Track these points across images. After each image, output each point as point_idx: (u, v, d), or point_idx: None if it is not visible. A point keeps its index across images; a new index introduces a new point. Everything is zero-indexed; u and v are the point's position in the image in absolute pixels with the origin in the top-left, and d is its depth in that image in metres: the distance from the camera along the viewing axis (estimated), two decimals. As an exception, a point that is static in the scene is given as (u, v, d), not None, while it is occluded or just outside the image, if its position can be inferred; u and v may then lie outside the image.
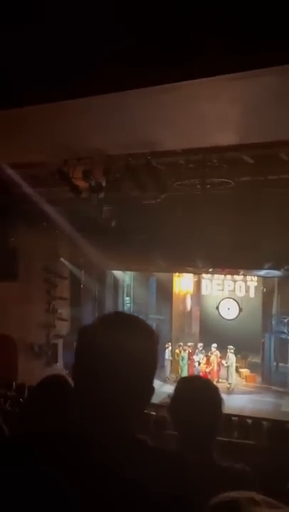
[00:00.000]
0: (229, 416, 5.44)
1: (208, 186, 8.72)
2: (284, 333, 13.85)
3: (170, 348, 14.54)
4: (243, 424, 5.31)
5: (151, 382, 1.04)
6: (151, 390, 1.04)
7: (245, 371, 14.59)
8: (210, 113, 5.03)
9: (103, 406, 0.96)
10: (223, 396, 1.69)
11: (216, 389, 1.74)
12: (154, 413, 5.90)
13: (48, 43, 4.14)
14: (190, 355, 14.01)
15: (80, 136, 6.12)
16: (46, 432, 1.03)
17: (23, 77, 4.20)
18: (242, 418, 5.55)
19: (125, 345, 0.97)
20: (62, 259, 13.53)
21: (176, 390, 1.68)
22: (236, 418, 5.44)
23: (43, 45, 4.14)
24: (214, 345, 14.09)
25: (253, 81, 4.38)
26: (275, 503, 0.73)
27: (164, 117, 5.05)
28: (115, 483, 0.91)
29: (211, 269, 14.12)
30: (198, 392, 1.65)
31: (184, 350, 14.25)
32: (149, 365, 1.03)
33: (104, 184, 8.44)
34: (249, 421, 5.48)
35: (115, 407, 0.96)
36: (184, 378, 2.16)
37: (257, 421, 5.53)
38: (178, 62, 3.88)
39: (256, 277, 15.01)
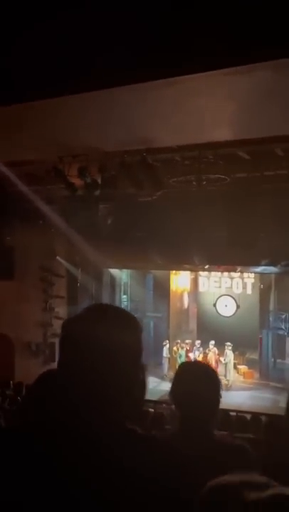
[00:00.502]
0: (227, 411, 5.45)
1: (204, 183, 8.72)
2: (281, 329, 13.90)
3: (168, 345, 14.55)
4: (242, 419, 5.33)
5: (137, 370, 1.04)
6: (137, 378, 1.04)
7: (243, 368, 14.63)
8: (205, 109, 5.02)
9: (90, 395, 0.96)
10: (222, 393, 1.76)
11: (213, 371, 1.88)
12: (152, 410, 5.91)
13: (45, 41, 4.11)
14: (187, 352, 14.03)
15: (75, 133, 6.10)
16: (41, 422, 1.03)
17: (17, 75, 4.17)
18: (240, 413, 5.58)
19: (108, 334, 0.97)
20: (58, 257, 13.49)
21: (177, 373, 1.79)
22: (234, 413, 5.46)
23: (40, 43, 4.11)
24: (212, 342, 14.12)
25: (248, 76, 4.37)
26: (276, 484, 0.73)
27: (160, 113, 5.04)
28: (107, 470, 0.91)
29: (207, 266, 14.13)
30: (197, 374, 1.76)
31: (182, 348, 14.26)
32: (133, 352, 1.03)
33: (99, 181, 8.42)
34: (248, 416, 5.50)
35: (102, 396, 0.96)
36: (184, 363, 2.32)
37: (256, 416, 5.55)
38: (173, 58, 3.86)
39: (253, 274, 15.04)
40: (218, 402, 1.73)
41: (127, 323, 1.05)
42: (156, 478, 0.94)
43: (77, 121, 5.56)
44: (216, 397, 1.73)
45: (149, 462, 0.96)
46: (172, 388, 1.75)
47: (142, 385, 1.05)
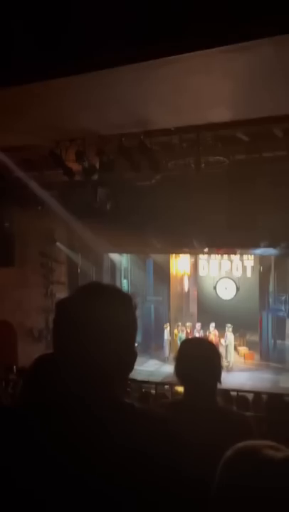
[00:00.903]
0: (228, 391, 5.52)
1: (203, 165, 8.64)
2: (281, 310, 13.97)
3: (168, 328, 14.66)
4: (243, 397, 5.42)
5: (133, 346, 1.05)
6: (133, 354, 1.05)
7: (243, 349, 14.77)
8: (203, 88, 4.95)
9: (86, 373, 0.97)
10: (223, 374, 1.86)
11: (213, 345, 2.04)
12: (154, 391, 5.99)
13: (37, 21, 4.03)
14: (188, 335, 14.12)
15: (71, 117, 6.03)
16: (37, 401, 1.05)
17: (14, 57, 4.10)
18: (242, 392, 5.67)
19: (103, 312, 0.98)
20: (58, 243, 13.48)
21: (180, 349, 1.91)
22: (235, 393, 5.54)
23: (31, 23, 4.03)
24: (212, 324, 14.22)
25: (247, 54, 4.29)
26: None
27: (157, 94, 4.97)
28: (105, 446, 0.92)
29: (207, 249, 14.13)
30: (198, 348, 1.90)
31: (182, 331, 14.38)
32: (128, 329, 1.04)
33: (97, 166, 8.35)
34: (249, 395, 5.59)
35: (98, 373, 0.97)
36: (186, 339, 2.56)
37: (257, 395, 5.63)
38: (169, 36, 3.79)
39: (253, 256, 15.05)
40: (219, 373, 1.82)
41: (119, 299, 1.05)
42: (157, 450, 0.95)
43: (73, 105, 5.48)
44: (218, 369, 1.83)
45: (149, 435, 0.96)
46: (176, 363, 1.85)
47: (135, 358, 1.06)
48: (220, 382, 1.83)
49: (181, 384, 1.84)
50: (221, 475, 0.75)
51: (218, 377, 1.82)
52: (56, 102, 5.30)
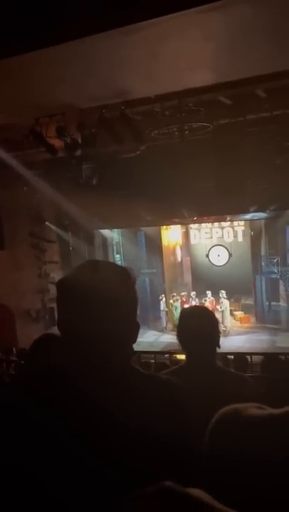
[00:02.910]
0: (226, 354, 5.65)
1: (187, 132, 8.51)
2: (274, 273, 14.14)
3: (164, 299, 14.82)
4: (241, 358, 5.55)
5: (134, 318, 1.09)
6: (135, 325, 1.09)
7: (239, 313, 15.03)
8: (181, 52, 4.80)
9: (92, 346, 0.99)
10: (221, 339, 1.99)
11: (211, 312, 2.16)
12: (153, 361, 6.10)
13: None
14: (183, 304, 14.31)
15: (47, 92, 5.85)
16: (42, 374, 1.08)
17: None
18: (239, 354, 5.83)
19: (103, 288, 1.00)
20: (47, 223, 13.37)
21: (180, 318, 2.04)
22: (232, 356, 5.68)
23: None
24: (209, 292, 14.39)
25: (224, 13, 4.15)
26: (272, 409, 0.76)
27: (133, 61, 4.82)
28: (114, 411, 0.95)
29: (196, 218, 14.12)
30: (197, 315, 2.05)
31: (177, 300, 14.55)
32: (128, 302, 1.07)
33: (79, 140, 8.19)
34: (247, 356, 5.73)
35: (103, 346, 1.00)
36: (185, 308, 2.73)
37: (253, 356, 5.77)
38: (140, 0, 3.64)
39: (243, 221, 15.08)
40: (218, 337, 1.96)
41: (118, 274, 1.08)
42: (164, 411, 0.99)
43: (48, 79, 5.31)
44: (216, 333, 1.96)
45: (156, 396, 1.01)
46: (178, 330, 1.98)
47: (138, 329, 1.10)
48: (219, 346, 1.95)
49: (183, 350, 1.97)
50: (208, 440, 0.76)
51: (216, 343, 1.94)
52: (30, 78, 5.14)
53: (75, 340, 1.01)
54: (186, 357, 1.98)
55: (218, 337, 1.97)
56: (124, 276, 1.09)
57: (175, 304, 14.44)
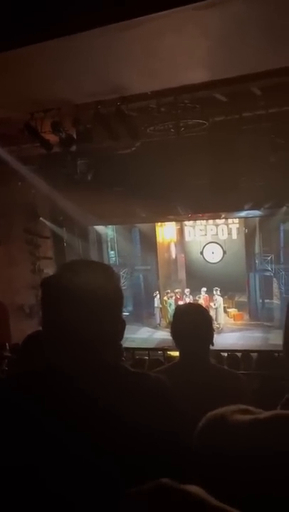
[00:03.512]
0: (220, 352, 5.68)
1: (183, 129, 8.51)
2: (268, 270, 14.21)
3: (158, 296, 14.84)
4: (234, 357, 5.58)
5: (120, 315, 1.10)
6: (121, 323, 1.09)
7: (233, 311, 15.09)
8: (177, 49, 4.78)
9: (76, 344, 1.00)
10: (214, 336, 2.00)
11: (205, 309, 2.17)
12: (147, 357, 6.13)
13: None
14: (177, 300, 14.34)
15: (43, 87, 5.80)
16: (30, 371, 1.08)
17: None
18: (232, 352, 5.85)
19: (86, 286, 1.01)
20: (41, 218, 13.31)
21: (174, 315, 2.04)
22: (226, 354, 5.71)
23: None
24: (204, 289, 14.43)
25: (219, 10, 4.14)
26: (260, 411, 0.76)
27: (129, 57, 4.80)
28: (103, 409, 0.96)
29: (190, 215, 14.12)
30: (192, 312, 2.03)
31: (171, 297, 14.57)
32: (113, 300, 1.08)
33: (75, 136, 8.15)
34: (239, 354, 5.76)
35: (89, 344, 1.00)
36: (180, 305, 2.69)
37: (247, 353, 5.80)
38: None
39: (237, 219, 15.12)
40: (212, 335, 1.96)
41: (101, 272, 1.09)
42: (152, 408, 0.99)
43: (44, 74, 5.27)
44: (210, 330, 1.97)
45: (144, 393, 1.01)
46: (172, 327, 1.99)
47: (124, 326, 1.10)
48: (212, 344, 1.95)
49: (177, 347, 1.97)
50: (195, 445, 0.76)
51: (210, 340, 1.95)
52: (26, 72, 5.09)
53: (61, 339, 1.01)
54: (180, 354, 1.98)
55: (212, 335, 1.97)
56: (109, 275, 1.09)
57: (169, 300, 14.46)
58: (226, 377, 1.96)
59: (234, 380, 1.95)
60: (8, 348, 7.70)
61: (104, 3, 3.69)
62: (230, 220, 15.55)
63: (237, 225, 15.58)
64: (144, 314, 14.88)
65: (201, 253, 16.55)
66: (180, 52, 4.92)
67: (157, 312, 14.72)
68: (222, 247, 16.16)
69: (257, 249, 14.52)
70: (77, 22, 3.80)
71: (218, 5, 3.98)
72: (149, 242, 15.66)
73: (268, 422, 0.71)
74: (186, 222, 16.23)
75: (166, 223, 15.97)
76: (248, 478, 0.66)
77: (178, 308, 2.28)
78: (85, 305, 0.99)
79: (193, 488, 0.54)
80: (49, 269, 13.52)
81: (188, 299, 14.32)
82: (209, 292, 14.35)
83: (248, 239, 14.74)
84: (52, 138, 8.19)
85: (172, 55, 4.92)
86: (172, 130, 8.64)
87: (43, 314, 1.06)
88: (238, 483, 0.66)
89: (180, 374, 1.80)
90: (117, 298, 1.09)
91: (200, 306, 2.36)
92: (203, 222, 16.03)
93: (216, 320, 13.59)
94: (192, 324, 1.92)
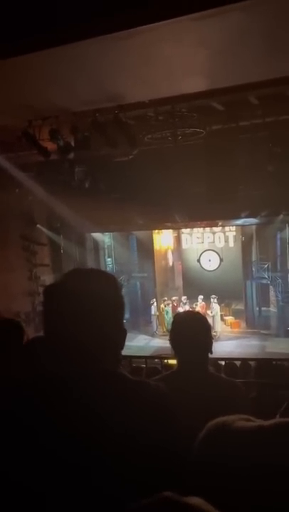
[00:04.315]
0: (217, 360, 5.65)
1: (180, 137, 8.55)
2: (265, 278, 14.23)
3: (155, 303, 14.81)
4: (232, 365, 5.56)
5: (121, 324, 1.09)
6: (122, 332, 1.09)
7: (229, 318, 15.07)
8: (174, 58, 4.82)
9: (78, 353, 0.99)
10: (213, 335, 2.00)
11: (204, 317, 2.15)
12: (144, 365, 6.08)
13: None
14: (174, 308, 14.33)
15: (41, 95, 5.83)
16: (31, 378, 1.08)
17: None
18: (230, 360, 5.82)
19: (89, 295, 1.01)
20: (38, 225, 13.31)
21: (174, 322, 2.02)
22: (223, 362, 5.68)
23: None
24: (201, 296, 14.42)
25: (217, 20, 4.18)
26: (260, 421, 0.75)
27: (127, 66, 4.83)
28: (102, 417, 0.95)
29: (188, 223, 14.16)
30: (191, 320, 2.02)
31: (168, 305, 14.54)
32: (115, 309, 1.08)
33: (73, 144, 8.18)
34: (237, 362, 5.73)
35: (89, 352, 1.00)
36: (179, 313, 2.66)
37: (244, 361, 5.78)
38: (136, 5, 3.66)
39: (234, 227, 15.17)
40: (211, 343, 1.96)
41: (104, 281, 1.09)
42: (150, 417, 0.98)
43: (42, 82, 5.30)
44: (208, 339, 1.96)
45: (142, 402, 1.00)
46: (171, 335, 1.98)
47: (124, 335, 1.10)
48: (211, 352, 1.95)
49: (175, 355, 1.96)
50: (197, 453, 0.75)
51: (209, 348, 1.94)
52: (24, 80, 5.11)
53: (62, 346, 1.01)
54: (179, 362, 1.97)
55: (211, 343, 1.96)
56: (110, 283, 1.09)
57: (166, 308, 14.44)
58: (224, 386, 1.94)
59: (233, 389, 1.93)
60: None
61: (103, 13, 3.72)
62: (227, 228, 15.61)
63: (234, 233, 15.62)
64: (141, 322, 14.83)
65: (198, 261, 16.57)
66: (178, 62, 4.97)
67: (154, 320, 14.68)
68: (219, 255, 16.19)
69: (254, 257, 14.56)
70: (75, 31, 3.83)
71: (216, 15, 4.02)
72: (146, 250, 15.68)
73: (273, 430, 0.71)
74: (183, 230, 16.27)
75: (163, 231, 16.01)
76: (251, 487, 0.65)
77: (177, 316, 2.27)
78: (88, 313, 0.99)
79: (196, 501, 0.53)
80: (46, 276, 13.50)
81: (185, 307, 14.30)
82: (206, 300, 14.33)
83: (245, 247, 14.78)
84: (49, 145, 8.23)
85: (170, 65, 4.96)
86: (170, 138, 8.68)
87: (44, 321, 1.06)
88: (240, 492, 0.65)
89: (178, 382, 1.79)
90: (118, 307, 1.09)
91: (199, 314, 2.34)
92: (200, 229, 16.07)
93: (213, 328, 13.54)
94: (191, 332, 1.91)
